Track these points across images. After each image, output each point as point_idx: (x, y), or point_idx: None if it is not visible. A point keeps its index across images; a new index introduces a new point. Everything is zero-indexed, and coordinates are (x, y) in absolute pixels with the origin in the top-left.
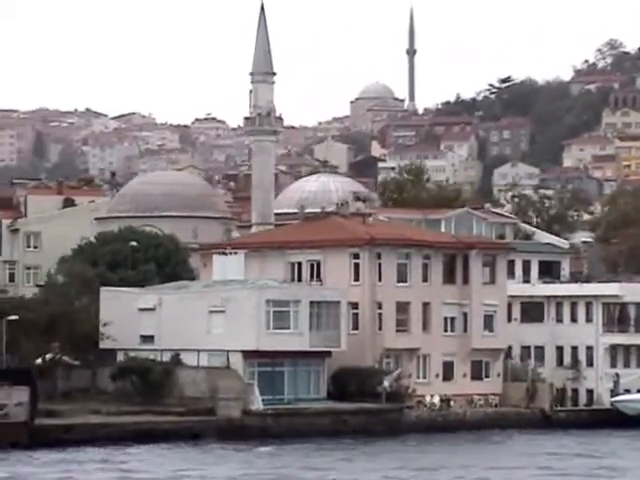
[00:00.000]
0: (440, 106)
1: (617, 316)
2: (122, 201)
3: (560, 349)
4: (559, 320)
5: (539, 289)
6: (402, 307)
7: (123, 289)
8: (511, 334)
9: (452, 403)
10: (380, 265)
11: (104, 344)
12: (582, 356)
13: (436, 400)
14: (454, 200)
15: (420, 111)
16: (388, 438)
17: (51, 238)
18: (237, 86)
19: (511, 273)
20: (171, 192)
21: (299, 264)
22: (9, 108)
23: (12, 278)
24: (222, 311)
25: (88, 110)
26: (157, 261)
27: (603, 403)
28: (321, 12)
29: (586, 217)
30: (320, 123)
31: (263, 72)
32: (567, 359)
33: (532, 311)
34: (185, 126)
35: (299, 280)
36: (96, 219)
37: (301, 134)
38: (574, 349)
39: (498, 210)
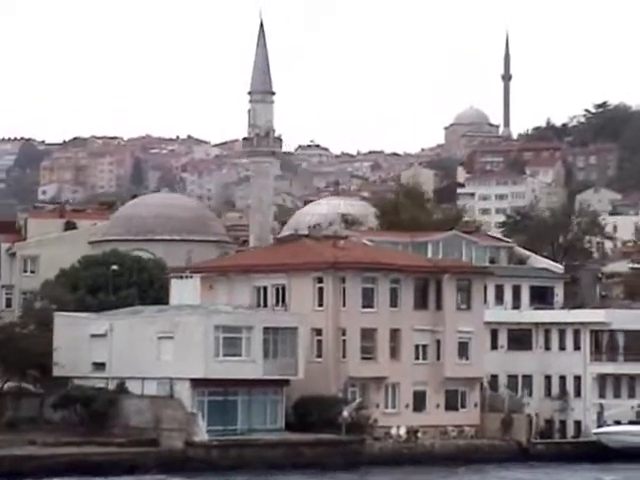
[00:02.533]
0: (530, 131)
1: (605, 344)
2: (116, 224)
3: (548, 378)
4: (547, 348)
5: (526, 315)
6: (368, 334)
7: (76, 314)
8: (496, 362)
9: (420, 434)
10: (344, 289)
11: (57, 371)
12: (570, 386)
13: (402, 431)
14: (454, 223)
15: (514, 136)
16: (346, 471)
17: (48, 262)
18: (341, 114)
19: (500, 299)
20: (164, 215)
21: (264, 288)
22: (111, 135)
23: (9, 303)
24: (171, 337)
25: (190, 137)
26: (140, 286)
27: (590, 435)
28: (418, 40)
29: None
30: (423, 149)
31: (262, 91)
32: (555, 389)
33: (520, 338)
34: (288, 153)
35: (264, 305)
36: (90, 242)
37: (403, 161)
38: (562, 378)
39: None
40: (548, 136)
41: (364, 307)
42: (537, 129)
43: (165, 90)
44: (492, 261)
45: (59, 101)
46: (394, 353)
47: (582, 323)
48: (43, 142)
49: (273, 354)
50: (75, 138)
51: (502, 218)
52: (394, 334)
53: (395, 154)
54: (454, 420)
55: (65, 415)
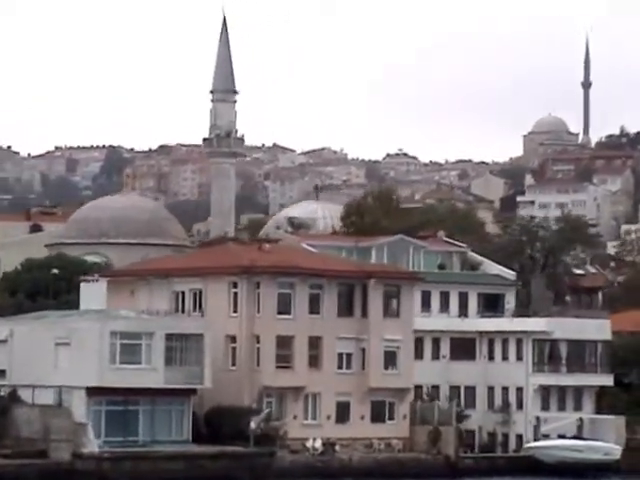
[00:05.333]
0: (604, 139)
1: (547, 354)
2: (72, 227)
3: (492, 390)
4: (491, 358)
5: (470, 324)
6: (284, 341)
7: None
8: (437, 372)
9: (338, 447)
10: (259, 295)
11: None
12: (512, 398)
13: (318, 444)
14: (420, 227)
15: (592, 144)
16: None
17: (9, 266)
18: (428, 123)
19: (445, 306)
20: (120, 218)
21: (182, 293)
22: (194, 143)
23: None
24: (67, 344)
25: (275, 145)
26: None
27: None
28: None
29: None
30: (511, 158)
31: (224, 90)
32: (498, 401)
33: (463, 348)
34: (375, 161)
35: (182, 311)
36: (46, 246)
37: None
38: (505, 390)
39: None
40: (622, 144)
41: (280, 313)
42: (611, 137)
43: (254, 97)
44: (441, 267)
45: (148, 108)
46: (314, 362)
47: (525, 332)
48: (131, 150)
49: (177, 362)
50: (162, 146)
51: None
52: (314, 342)
53: (483, 163)
54: (381, 432)
55: None
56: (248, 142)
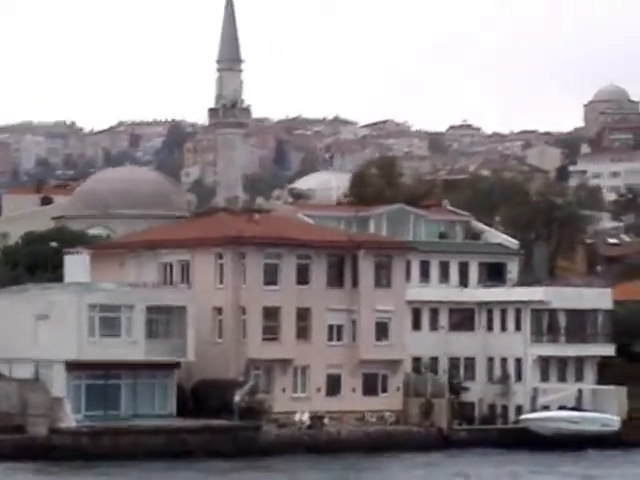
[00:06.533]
0: None
1: (546, 324)
2: (77, 200)
3: (491, 361)
4: (490, 328)
5: (469, 294)
6: (271, 313)
7: None
8: (436, 344)
9: (326, 420)
10: (245, 266)
11: None
12: (511, 369)
13: (305, 417)
14: (423, 197)
15: None
16: (231, 460)
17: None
18: (492, 93)
19: (445, 276)
20: (124, 190)
21: (170, 265)
22: (260, 117)
23: None
24: (47, 317)
25: (337, 118)
26: None
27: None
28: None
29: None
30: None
31: (229, 59)
32: (497, 372)
33: (462, 319)
34: (439, 133)
35: (170, 283)
36: (52, 219)
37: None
38: (504, 361)
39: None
40: None
41: (267, 284)
42: None
43: (315, 70)
44: (442, 236)
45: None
46: (303, 334)
47: (523, 302)
48: (193, 124)
49: (159, 335)
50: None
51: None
52: (303, 313)
53: (547, 133)
54: (373, 405)
55: None
56: (309, 115)
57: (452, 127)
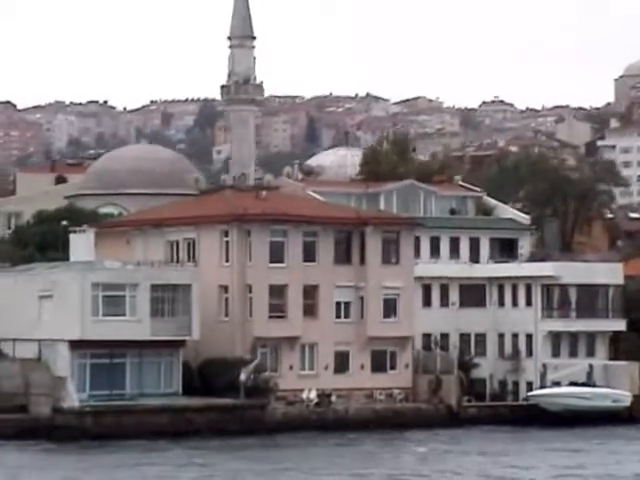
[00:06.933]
0: None
1: (556, 300)
2: (90, 178)
3: (502, 337)
4: (501, 304)
5: (478, 270)
6: (277, 290)
7: None
8: (446, 320)
9: (334, 398)
10: (251, 243)
11: None
12: (522, 345)
13: (312, 395)
14: (436, 173)
15: None
16: (236, 438)
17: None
18: (525, 68)
19: (456, 252)
20: (137, 168)
21: (177, 243)
22: (292, 94)
23: None
24: (50, 296)
25: (368, 95)
26: None
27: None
28: None
29: None
30: (609, 103)
31: (241, 36)
32: (508, 348)
33: (472, 294)
34: (471, 109)
35: (177, 261)
36: (65, 197)
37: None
38: (515, 337)
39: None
40: None
41: (273, 262)
42: None
43: (345, 48)
44: (453, 212)
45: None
46: (310, 311)
47: (533, 277)
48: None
49: (164, 313)
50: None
51: None
52: (310, 291)
53: (581, 108)
54: (382, 383)
55: None
56: (340, 92)
57: (484, 103)
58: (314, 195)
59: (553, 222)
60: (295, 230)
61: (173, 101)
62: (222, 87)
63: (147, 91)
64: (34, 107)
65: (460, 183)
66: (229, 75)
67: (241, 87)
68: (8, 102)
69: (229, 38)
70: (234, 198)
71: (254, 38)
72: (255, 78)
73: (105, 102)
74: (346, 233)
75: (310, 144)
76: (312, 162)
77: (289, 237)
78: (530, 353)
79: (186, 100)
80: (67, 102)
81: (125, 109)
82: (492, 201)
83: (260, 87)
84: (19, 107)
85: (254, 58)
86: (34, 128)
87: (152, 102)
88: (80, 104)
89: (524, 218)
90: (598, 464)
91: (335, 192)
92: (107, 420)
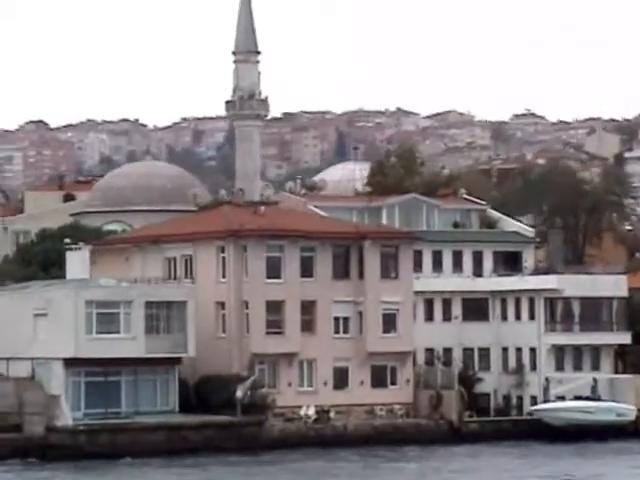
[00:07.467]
0: None
1: (560, 313)
2: (96, 195)
3: (506, 351)
4: (504, 318)
5: (480, 284)
6: (274, 306)
7: None
8: (449, 334)
9: (332, 414)
10: (246, 259)
11: None
12: (526, 359)
13: (311, 411)
14: (443, 186)
15: None
16: (232, 455)
17: None
18: (554, 81)
19: (459, 266)
20: (143, 185)
21: (174, 259)
22: (322, 110)
23: None
24: (45, 314)
25: (399, 109)
26: None
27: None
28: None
29: None
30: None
31: (246, 51)
32: (512, 362)
33: (475, 308)
34: (502, 122)
35: (175, 277)
36: (71, 215)
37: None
38: (518, 351)
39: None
40: None
41: (269, 278)
42: None
43: (378, 62)
44: (456, 225)
45: (275, 77)
46: (308, 327)
47: (536, 290)
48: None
49: (159, 330)
50: (285, 114)
51: None
52: (308, 306)
53: (613, 120)
54: (382, 398)
55: None
56: (371, 107)
57: (516, 116)
58: (315, 210)
59: (558, 234)
60: (292, 245)
61: (204, 118)
62: (227, 102)
63: (178, 108)
64: (66, 126)
65: (464, 196)
66: (234, 90)
67: (246, 102)
68: (40, 121)
69: (233, 53)
70: (231, 214)
71: (258, 53)
72: (260, 93)
73: (136, 120)
74: (344, 248)
75: (340, 159)
76: (321, 176)
77: (286, 252)
78: (534, 367)
79: (217, 117)
80: (99, 120)
81: (156, 127)
82: (496, 214)
83: (265, 102)
84: (51, 126)
85: (259, 73)
86: (66, 147)
87: (183, 119)
88: (111, 122)
89: (528, 231)
90: None
91: (337, 207)
92: (102, 439)
